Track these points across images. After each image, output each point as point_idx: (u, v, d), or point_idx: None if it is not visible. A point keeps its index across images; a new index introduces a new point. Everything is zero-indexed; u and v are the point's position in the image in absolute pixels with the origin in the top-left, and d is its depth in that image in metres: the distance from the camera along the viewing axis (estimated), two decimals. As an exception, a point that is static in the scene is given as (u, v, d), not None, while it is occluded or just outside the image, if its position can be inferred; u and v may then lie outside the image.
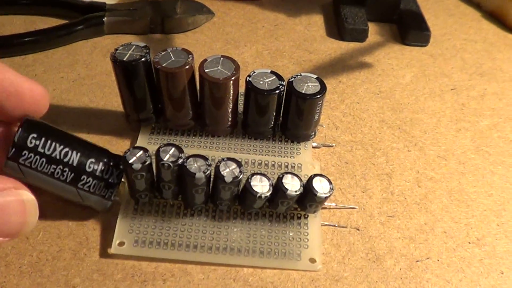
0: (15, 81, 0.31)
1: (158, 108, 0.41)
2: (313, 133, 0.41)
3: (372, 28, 0.56)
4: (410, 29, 0.54)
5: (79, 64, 0.49)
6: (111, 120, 0.44)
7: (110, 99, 0.45)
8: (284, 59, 0.51)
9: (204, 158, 0.33)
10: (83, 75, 0.48)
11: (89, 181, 0.34)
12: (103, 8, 0.53)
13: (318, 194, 0.34)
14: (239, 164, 0.34)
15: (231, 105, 0.39)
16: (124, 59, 0.37)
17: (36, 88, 0.32)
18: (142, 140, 0.41)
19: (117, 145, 0.41)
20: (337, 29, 0.56)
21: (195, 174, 0.33)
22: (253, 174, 0.34)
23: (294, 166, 0.40)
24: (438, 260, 0.36)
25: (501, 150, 0.44)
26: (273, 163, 0.40)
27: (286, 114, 0.40)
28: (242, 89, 0.39)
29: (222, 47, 0.52)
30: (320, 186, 0.34)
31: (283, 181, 0.34)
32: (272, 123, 0.40)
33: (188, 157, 0.33)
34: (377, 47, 0.53)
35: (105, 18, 0.52)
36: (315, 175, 0.35)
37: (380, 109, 0.46)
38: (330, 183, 0.35)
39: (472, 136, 0.44)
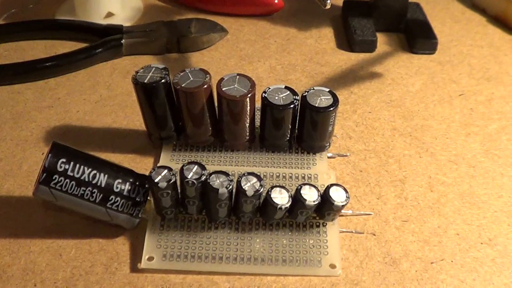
0: None
1: (179, 126, 0.42)
2: (328, 144, 0.43)
3: (380, 38, 0.57)
4: (417, 37, 0.55)
5: (100, 85, 0.51)
6: (134, 139, 0.45)
7: (132, 118, 0.46)
8: (297, 72, 0.53)
9: (226, 174, 0.35)
10: (104, 96, 0.49)
11: (117, 200, 0.35)
12: (120, 30, 0.54)
13: (335, 203, 0.36)
14: (259, 178, 0.35)
15: (248, 121, 0.41)
16: (145, 81, 0.39)
17: None
18: (164, 158, 0.43)
19: (141, 163, 0.42)
20: (347, 41, 0.57)
21: (218, 189, 0.34)
22: (272, 187, 0.36)
23: (311, 177, 0.41)
24: (452, 261, 0.37)
25: (510, 152, 0.45)
26: (290, 175, 0.41)
27: (301, 127, 0.42)
28: (258, 104, 0.41)
29: (237, 63, 0.54)
30: (337, 195, 0.36)
31: (301, 192, 0.36)
32: (288, 136, 0.42)
33: (210, 174, 0.35)
34: (386, 57, 0.55)
35: (123, 40, 0.53)
36: (332, 184, 0.36)
37: (392, 118, 0.48)
38: (346, 191, 0.36)
39: (481, 140, 0.46)
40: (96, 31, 0.55)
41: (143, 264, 0.36)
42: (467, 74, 0.53)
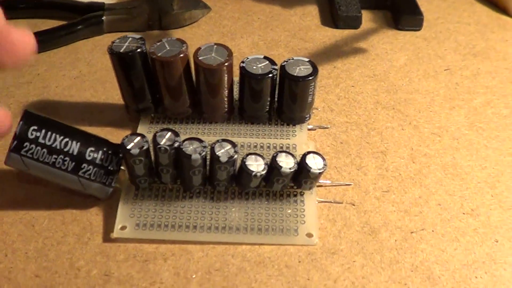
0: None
1: (156, 97, 0.42)
2: (308, 116, 0.42)
3: (366, 15, 0.56)
4: (403, 14, 0.55)
5: (80, 62, 0.50)
6: (112, 113, 0.45)
7: (111, 93, 0.46)
8: (280, 48, 0.52)
9: (200, 140, 0.34)
10: (84, 72, 0.49)
11: (90, 169, 0.35)
12: (101, 7, 0.54)
13: (311, 170, 0.35)
14: (233, 144, 0.35)
15: (226, 91, 0.40)
16: (121, 51, 0.38)
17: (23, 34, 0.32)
18: (142, 130, 0.42)
19: (118, 136, 0.42)
20: (331, 17, 0.56)
21: (191, 155, 0.34)
22: (248, 154, 0.35)
23: (289, 147, 0.40)
24: (432, 231, 0.37)
25: (495, 125, 0.44)
26: (268, 144, 0.41)
27: (281, 97, 0.41)
28: (237, 77, 0.41)
29: (219, 39, 0.53)
30: (314, 163, 0.35)
31: (277, 159, 0.35)
32: (268, 107, 0.42)
33: (184, 140, 0.34)
34: (371, 33, 0.54)
35: (104, 17, 0.53)
36: (309, 152, 0.36)
37: (375, 91, 0.47)
38: (324, 159, 0.36)
39: (466, 113, 0.45)
40: (78, 9, 0.55)
41: (116, 233, 0.36)
42: (453, 50, 0.52)
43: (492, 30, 0.55)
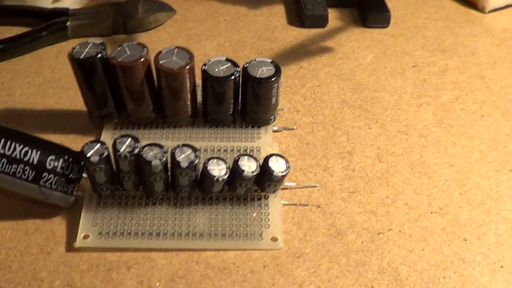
0: None
1: (119, 103, 0.41)
2: (273, 117, 0.42)
3: (332, 13, 0.56)
4: (370, 11, 0.54)
5: (45, 68, 0.49)
6: (76, 120, 0.44)
7: (75, 99, 0.45)
8: (246, 49, 0.52)
9: (160, 146, 0.34)
10: (49, 79, 0.48)
11: (51, 178, 0.34)
12: (66, 13, 0.53)
13: (274, 173, 0.35)
14: (194, 149, 0.34)
15: (189, 95, 0.39)
16: (81, 57, 0.38)
17: None
18: (105, 136, 0.42)
19: (82, 143, 0.40)
20: (298, 17, 0.56)
21: (151, 162, 0.33)
22: (209, 159, 0.35)
23: (253, 150, 0.40)
24: (400, 231, 0.36)
25: (463, 121, 0.44)
26: (232, 148, 0.40)
27: (244, 100, 0.41)
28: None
29: (185, 42, 0.52)
30: (277, 165, 0.35)
31: (239, 163, 0.35)
32: (232, 109, 0.41)
33: (143, 146, 0.34)
34: (338, 32, 0.54)
35: (68, 22, 0.52)
36: (271, 154, 0.35)
37: (341, 91, 0.47)
38: (287, 161, 0.35)
39: (433, 110, 0.45)
40: (43, 15, 0.54)
41: (79, 242, 0.35)
42: (421, 46, 0.52)
43: (460, 25, 0.55)
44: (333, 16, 0.56)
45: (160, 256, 0.35)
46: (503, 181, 0.39)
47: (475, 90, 0.47)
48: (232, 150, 0.40)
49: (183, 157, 0.34)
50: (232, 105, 0.40)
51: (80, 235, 0.35)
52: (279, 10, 0.57)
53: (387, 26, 0.55)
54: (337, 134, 0.42)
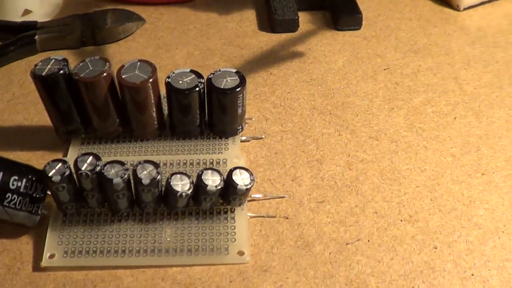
0: None
1: (85, 118, 0.41)
2: (240, 127, 0.42)
3: (304, 17, 0.56)
4: (341, 14, 0.54)
5: (13, 84, 0.49)
6: (44, 136, 0.44)
7: (44, 115, 0.44)
8: (215, 57, 0.51)
9: (121, 163, 0.34)
10: (17, 94, 0.48)
11: (14, 198, 0.34)
12: (34, 26, 0.53)
13: (238, 187, 0.34)
14: (156, 165, 0.34)
15: (154, 108, 0.39)
16: (43, 74, 0.37)
17: None
18: (72, 152, 0.41)
19: (50, 159, 0.40)
20: (268, 22, 0.56)
21: (112, 180, 0.33)
22: (172, 174, 0.34)
23: (219, 162, 0.40)
24: (368, 241, 0.36)
25: (435, 124, 0.44)
26: (198, 161, 0.40)
27: (210, 111, 0.40)
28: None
29: (154, 52, 0.52)
30: (240, 178, 0.35)
31: (203, 177, 0.34)
32: (198, 121, 0.41)
33: (105, 164, 0.34)
34: (309, 36, 0.54)
35: (37, 36, 0.52)
36: (235, 168, 0.35)
37: (311, 97, 0.46)
38: (251, 174, 0.35)
39: (405, 114, 0.45)
40: (11, 29, 0.53)
41: (44, 262, 0.35)
42: (393, 48, 0.52)
43: (434, 24, 0.55)
44: (304, 20, 0.55)
45: (126, 273, 0.35)
46: (475, 186, 0.39)
47: (448, 92, 0.47)
48: (198, 163, 0.40)
49: (145, 173, 0.33)
50: (198, 117, 0.40)
51: (46, 254, 0.35)
52: (250, 15, 0.57)
53: (359, 28, 0.55)
54: (306, 142, 0.42)
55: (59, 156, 0.41)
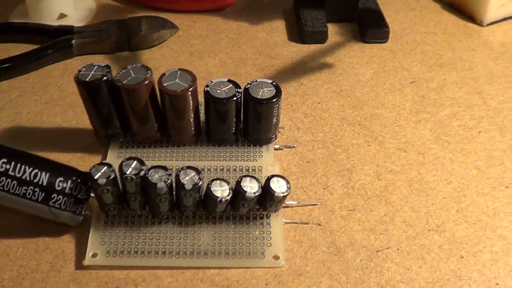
0: None
1: (124, 123, 0.42)
2: (274, 136, 0.43)
3: (332, 29, 0.57)
4: (369, 27, 0.55)
5: (51, 86, 0.50)
6: (83, 138, 0.45)
7: (82, 117, 0.46)
8: (247, 66, 0.53)
9: (165, 168, 0.35)
10: (55, 96, 0.49)
11: (60, 198, 0.35)
12: (71, 31, 0.54)
13: (276, 194, 0.36)
14: (198, 171, 0.35)
15: (192, 115, 0.40)
16: (87, 80, 0.39)
17: None
18: (111, 155, 0.43)
19: (89, 161, 0.42)
20: (298, 33, 0.57)
21: (156, 184, 0.34)
22: (213, 180, 0.36)
23: (255, 169, 0.41)
24: (398, 249, 0.37)
25: (461, 138, 0.45)
26: (234, 167, 0.41)
27: (246, 119, 0.42)
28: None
29: (187, 59, 0.53)
30: (278, 186, 0.36)
31: (242, 184, 0.36)
32: (234, 129, 0.42)
33: (149, 169, 0.35)
34: (337, 47, 0.55)
35: (74, 40, 0.53)
36: (272, 175, 0.36)
37: (341, 108, 0.48)
38: (287, 182, 0.36)
39: (431, 127, 0.46)
40: (48, 33, 0.55)
41: (87, 260, 0.36)
42: (419, 62, 0.53)
43: (459, 39, 0.56)
44: (333, 32, 0.57)
45: (166, 274, 0.36)
46: (499, 198, 0.40)
47: (472, 106, 0.48)
48: (234, 170, 0.41)
49: (187, 179, 0.35)
50: (234, 125, 0.41)
51: (89, 253, 0.36)
52: (280, 26, 0.58)
53: (386, 41, 0.56)
54: (337, 152, 0.43)
55: (98, 158, 0.43)
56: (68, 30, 0.55)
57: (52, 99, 0.49)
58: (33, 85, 0.51)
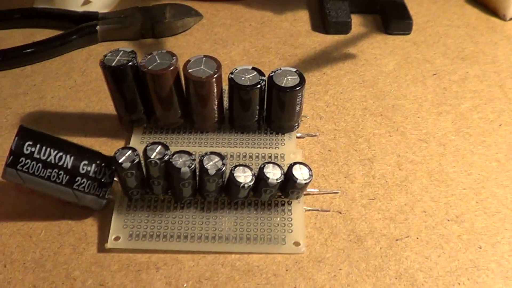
0: None
1: (148, 109, 0.43)
2: (297, 124, 0.43)
3: (356, 20, 0.57)
4: (392, 18, 0.55)
5: (75, 72, 0.51)
6: (106, 123, 0.45)
7: (105, 103, 0.47)
8: (271, 55, 0.53)
9: (189, 153, 0.35)
10: (79, 82, 0.49)
11: (84, 182, 0.36)
12: (95, 17, 0.55)
13: (298, 181, 0.36)
14: (221, 157, 0.36)
15: (216, 102, 0.41)
16: (113, 65, 0.39)
17: None
18: (135, 140, 0.43)
19: (112, 146, 0.43)
20: (322, 23, 0.57)
21: (180, 169, 0.35)
22: (236, 166, 0.36)
23: (277, 156, 0.41)
24: (417, 238, 0.37)
25: (482, 130, 0.45)
26: (257, 154, 0.41)
27: (269, 107, 0.42)
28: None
29: (211, 47, 0.54)
30: (300, 173, 0.36)
31: (265, 170, 0.36)
32: (257, 116, 0.42)
33: (173, 154, 0.35)
34: (360, 38, 0.55)
35: (98, 26, 0.54)
36: (295, 163, 0.37)
37: (363, 98, 0.48)
38: (310, 169, 0.37)
39: (453, 119, 0.46)
40: (73, 18, 0.55)
41: (110, 244, 0.37)
42: (442, 54, 0.53)
43: (481, 33, 0.56)
44: (356, 23, 0.57)
45: (188, 258, 0.36)
46: (519, 191, 0.40)
47: (494, 99, 0.48)
48: (257, 157, 0.41)
49: (211, 164, 0.35)
50: (257, 112, 0.42)
51: (111, 236, 0.37)
52: (303, 16, 0.58)
53: (409, 33, 0.56)
54: (359, 142, 0.44)
55: (121, 143, 0.43)
56: (92, 16, 0.55)
57: (76, 84, 0.49)
58: (57, 71, 0.51)
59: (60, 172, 0.35)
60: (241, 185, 0.35)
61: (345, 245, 0.37)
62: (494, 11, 0.59)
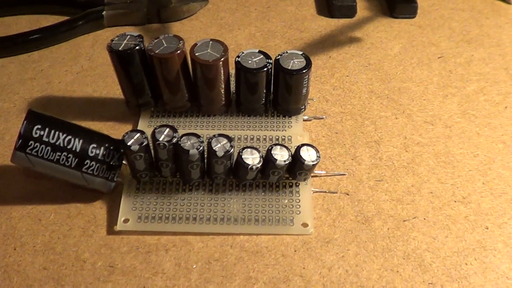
0: None
1: (156, 92, 0.43)
2: (303, 107, 0.43)
3: (361, 3, 0.57)
4: (398, 2, 0.55)
5: (82, 57, 0.51)
6: (113, 107, 0.46)
7: (112, 87, 0.47)
8: (276, 39, 0.53)
9: (197, 135, 0.35)
10: (86, 67, 0.50)
11: (92, 165, 0.36)
12: (102, 2, 0.55)
13: (305, 162, 0.36)
14: (230, 139, 0.36)
15: (223, 85, 0.41)
16: (120, 49, 0.39)
17: None
18: (142, 124, 0.43)
19: (119, 130, 0.43)
20: (327, 7, 0.57)
21: (189, 151, 0.35)
22: (244, 148, 0.36)
23: (284, 139, 0.42)
24: (424, 219, 0.38)
25: (487, 112, 0.45)
26: (264, 137, 0.42)
27: (276, 90, 0.42)
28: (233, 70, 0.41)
29: (217, 31, 0.54)
30: (307, 155, 0.36)
31: (272, 152, 0.36)
32: (264, 99, 0.43)
33: (181, 136, 0.36)
34: (366, 22, 0.55)
35: (104, 12, 0.54)
36: (302, 144, 0.37)
37: (369, 81, 0.48)
38: (317, 151, 0.37)
39: (458, 101, 0.46)
40: (79, 4, 0.55)
41: (119, 226, 0.37)
42: (447, 37, 0.53)
43: (486, 16, 0.56)
44: (362, 6, 0.57)
45: (197, 239, 0.37)
46: (525, 172, 0.40)
47: (499, 82, 0.48)
48: (264, 139, 0.42)
49: (219, 146, 0.35)
50: (264, 95, 0.42)
51: (121, 219, 0.37)
52: (308, 0, 0.58)
53: (414, 17, 0.56)
54: (365, 124, 0.44)
55: (129, 127, 0.43)
56: (98, 2, 0.55)
57: (82, 69, 0.49)
58: (64, 56, 0.51)
59: (69, 155, 0.35)
60: (249, 167, 0.36)
61: (353, 226, 0.37)
62: (498, -6, 0.59)
